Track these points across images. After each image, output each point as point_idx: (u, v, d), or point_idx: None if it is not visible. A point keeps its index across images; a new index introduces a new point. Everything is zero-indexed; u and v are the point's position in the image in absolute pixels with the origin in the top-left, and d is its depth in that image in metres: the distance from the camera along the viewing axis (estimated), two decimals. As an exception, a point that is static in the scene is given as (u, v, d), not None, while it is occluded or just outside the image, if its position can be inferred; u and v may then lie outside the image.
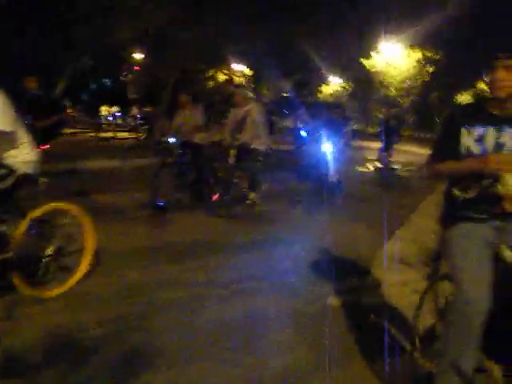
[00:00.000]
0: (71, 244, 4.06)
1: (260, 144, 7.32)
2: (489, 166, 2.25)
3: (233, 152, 7.14)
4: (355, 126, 36.16)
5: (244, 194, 7.46)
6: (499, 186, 2.24)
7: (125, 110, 25.05)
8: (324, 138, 8.91)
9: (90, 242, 4.13)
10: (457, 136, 2.47)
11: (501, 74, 2.33)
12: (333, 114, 9.54)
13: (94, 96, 30.31)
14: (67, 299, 3.74)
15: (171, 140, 7.45)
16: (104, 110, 26.23)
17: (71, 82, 12.38)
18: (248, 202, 7.42)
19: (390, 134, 13.65)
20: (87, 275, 4.09)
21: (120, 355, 3.00)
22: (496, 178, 2.26)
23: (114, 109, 27.38)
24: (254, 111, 7.31)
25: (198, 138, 7.62)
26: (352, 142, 11.82)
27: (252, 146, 7.22)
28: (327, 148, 8.74)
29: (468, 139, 2.44)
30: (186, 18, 15.69)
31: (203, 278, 4.42)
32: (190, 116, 7.64)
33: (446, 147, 2.56)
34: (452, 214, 2.52)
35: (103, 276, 4.26)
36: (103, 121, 23.74)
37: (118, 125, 23.81)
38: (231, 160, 7.16)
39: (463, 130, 2.46)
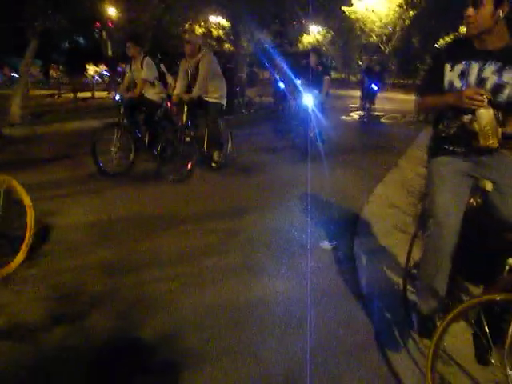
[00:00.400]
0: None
1: (216, 98, 6.72)
2: (463, 100, 2.26)
3: (184, 108, 6.41)
4: (338, 75, 35.84)
5: (207, 155, 6.86)
6: (474, 122, 2.27)
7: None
8: (302, 89, 8.34)
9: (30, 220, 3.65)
10: (441, 72, 2.48)
11: (469, 11, 2.31)
12: (310, 62, 8.39)
13: (68, 55, 29.09)
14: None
15: (117, 97, 6.70)
16: (91, 69, 24.60)
17: (41, 41, 11.88)
18: (213, 164, 6.91)
19: (373, 82, 13.56)
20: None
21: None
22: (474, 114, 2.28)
23: (102, 67, 25.85)
24: (205, 59, 6.52)
25: (149, 93, 6.88)
26: (332, 91, 11.19)
27: (208, 99, 6.65)
28: (307, 100, 8.12)
29: (452, 74, 2.45)
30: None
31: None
32: (140, 70, 6.81)
33: (431, 83, 2.60)
34: (435, 148, 2.60)
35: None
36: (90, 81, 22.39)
37: (97, 84, 23.10)
38: (183, 117, 6.43)
39: (447, 66, 2.46)
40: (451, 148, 2.49)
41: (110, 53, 22.88)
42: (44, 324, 2.85)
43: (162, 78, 7.05)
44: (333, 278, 3.54)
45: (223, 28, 26.84)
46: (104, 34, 22.80)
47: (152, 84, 6.88)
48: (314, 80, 8.07)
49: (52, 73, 28.64)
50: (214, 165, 6.93)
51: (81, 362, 2.54)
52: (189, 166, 6.38)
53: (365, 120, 13.59)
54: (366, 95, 13.85)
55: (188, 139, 6.47)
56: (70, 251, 3.93)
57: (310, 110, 8.08)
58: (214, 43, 26.73)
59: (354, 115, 14.91)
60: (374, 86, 13.58)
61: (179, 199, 5.57)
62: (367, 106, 13.82)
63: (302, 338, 2.74)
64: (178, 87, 6.69)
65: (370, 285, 3.37)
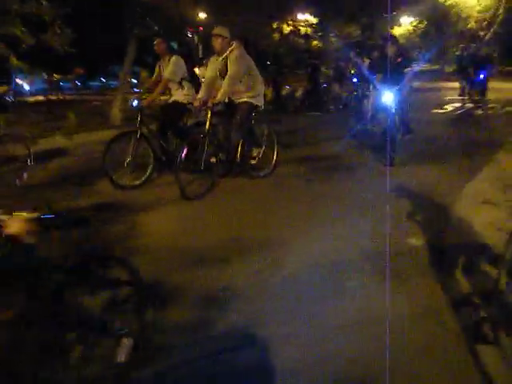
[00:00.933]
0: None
1: (248, 97, 5.90)
2: None
3: (208, 115, 5.63)
4: (433, 66, 34.11)
5: (240, 164, 6.04)
6: None
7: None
8: (377, 86, 7.30)
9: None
10: None
11: None
12: (387, 53, 7.17)
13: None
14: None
15: (134, 103, 6.00)
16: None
17: (139, 50, 12.73)
18: (252, 161, 6.18)
19: (480, 71, 12.77)
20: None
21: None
22: None
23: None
24: (233, 55, 5.70)
25: (176, 95, 6.33)
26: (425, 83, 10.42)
27: (237, 100, 5.92)
28: (386, 97, 6.92)
29: None
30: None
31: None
32: (165, 67, 6.27)
33: None
34: None
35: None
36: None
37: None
38: (206, 126, 5.62)
39: None
40: None
41: (200, 56, 23.79)
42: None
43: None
44: (422, 276, 3.42)
45: (311, 25, 26.75)
46: (196, 38, 23.72)
47: (180, 85, 6.25)
48: (393, 74, 6.87)
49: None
50: (252, 162, 6.16)
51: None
52: (209, 185, 5.57)
53: (461, 111, 12.81)
54: (470, 84, 13.15)
55: (212, 158, 5.70)
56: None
57: (390, 109, 6.88)
58: (302, 40, 26.73)
59: (449, 107, 14.11)
60: (481, 75, 12.78)
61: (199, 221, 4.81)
62: (474, 97, 12.99)
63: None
64: (202, 90, 5.92)
65: (461, 282, 3.22)
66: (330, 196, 5.46)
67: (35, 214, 1.98)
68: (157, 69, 6.55)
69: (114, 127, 11.58)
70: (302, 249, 3.94)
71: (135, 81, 28.48)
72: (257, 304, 3.07)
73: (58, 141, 9.03)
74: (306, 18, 26.38)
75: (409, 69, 7.53)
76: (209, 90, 5.93)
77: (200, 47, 23.30)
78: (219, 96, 5.60)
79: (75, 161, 7.79)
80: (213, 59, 6.03)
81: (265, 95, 6.75)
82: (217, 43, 5.75)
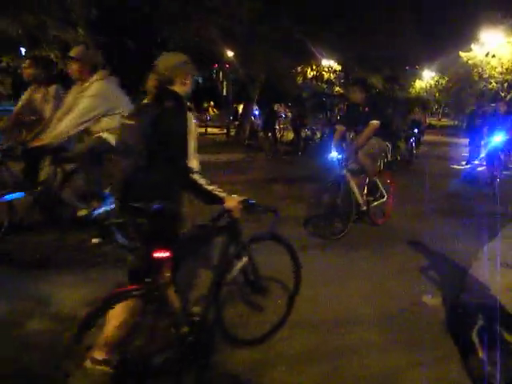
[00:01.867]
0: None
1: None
2: None
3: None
4: (451, 122, 34.36)
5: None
6: None
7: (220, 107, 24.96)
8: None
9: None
10: None
11: None
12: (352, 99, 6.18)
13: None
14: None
15: None
16: (210, 110, 25.39)
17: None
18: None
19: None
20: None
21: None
22: None
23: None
24: (93, 88, 4.47)
25: None
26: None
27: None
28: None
29: None
30: (272, 15, 15.84)
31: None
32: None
33: None
34: None
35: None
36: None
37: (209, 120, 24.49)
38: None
39: None
40: None
41: (224, 92, 24.29)
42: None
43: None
44: (435, 334, 3.34)
45: (334, 71, 27.26)
46: (221, 74, 24.30)
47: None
48: (361, 126, 5.95)
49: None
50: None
51: None
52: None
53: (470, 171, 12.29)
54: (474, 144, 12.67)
55: None
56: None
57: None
58: (325, 85, 27.20)
59: (464, 163, 14.03)
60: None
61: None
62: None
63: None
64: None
65: (478, 349, 3.13)
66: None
67: (242, 198, 2.67)
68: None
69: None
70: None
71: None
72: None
73: None
74: (329, 64, 26.92)
75: (374, 121, 5.81)
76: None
77: (224, 84, 23.83)
78: (48, 137, 4.40)
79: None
80: (74, 88, 4.70)
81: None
82: (72, 69, 4.56)
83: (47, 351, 2.81)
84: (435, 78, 34.23)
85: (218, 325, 2.88)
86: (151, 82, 2.58)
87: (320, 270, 4.41)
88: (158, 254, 2.35)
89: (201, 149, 2.67)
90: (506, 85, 30.72)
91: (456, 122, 35.33)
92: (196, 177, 2.57)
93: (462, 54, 30.33)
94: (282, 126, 18.20)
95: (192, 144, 2.56)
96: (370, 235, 5.87)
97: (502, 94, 30.83)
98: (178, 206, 2.63)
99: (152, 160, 2.46)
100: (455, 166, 13.38)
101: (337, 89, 26.81)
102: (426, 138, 18.40)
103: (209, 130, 21.44)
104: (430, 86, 34.58)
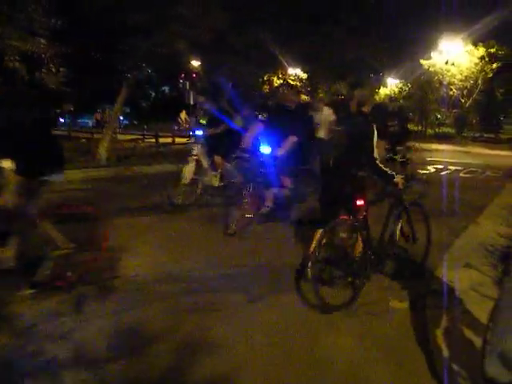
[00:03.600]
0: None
1: None
2: None
3: None
4: (415, 127, 35.22)
5: None
6: None
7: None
8: None
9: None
10: None
11: None
12: None
13: (153, 103, 31.19)
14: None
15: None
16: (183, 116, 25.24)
17: (131, 91, 12.94)
18: None
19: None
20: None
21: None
22: None
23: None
24: None
25: None
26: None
27: None
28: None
29: None
30: (239, 25, 15.94)
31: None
32: None
33: None
34: None
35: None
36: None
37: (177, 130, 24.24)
38: None
39: None
40: None
41: (191, 101, 24.19)
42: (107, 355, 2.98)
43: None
44: (403, 339, 3.40)
45: (301, 80, 27.63)
46: (187, 84, 24.23)
47: None
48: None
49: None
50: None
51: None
52: None
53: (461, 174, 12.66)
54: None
55: None
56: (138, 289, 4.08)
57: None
58: (290, 93, 27.52)
59: (431, 169, 14.47)
60: None
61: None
62: None
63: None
64: None
65: (443, 349, 3.20)
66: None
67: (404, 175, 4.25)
68: None
69: (101, 166, 11.58)
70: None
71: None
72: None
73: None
74: (296, 72, 27.29)
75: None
76: None
77: (191, 93, 23.77)
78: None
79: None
80: None
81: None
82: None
83: None
84: (399, 85, 35.11)
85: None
86: (352, 104, 4.27)
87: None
88: (359, 202, 4.00)
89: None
90: (465, 91, 31.80)
91: (420, 128, 36.30)
92: (378, 162, 4.05)
93: (422, 61, 31.25)
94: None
95: (374, 142, 4.04)
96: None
97: (463, 101, 31.91)
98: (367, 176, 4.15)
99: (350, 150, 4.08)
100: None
101: (303, 97, 27.16)
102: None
103: (176, 139, 21.26)
104: (394, 93, 35.43)
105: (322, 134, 8.75)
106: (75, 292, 3.85)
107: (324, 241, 3.79)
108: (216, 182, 7.23)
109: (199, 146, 7.24)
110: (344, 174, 4.10)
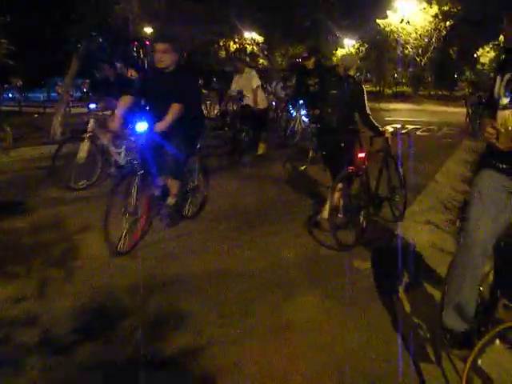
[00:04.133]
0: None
1: None
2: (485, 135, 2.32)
3: None
4: (373, 88, 35.47)
5: None
6: None
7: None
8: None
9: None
10: (494, 84, 2.46)
11: (509, 26, 2.32)
12: None
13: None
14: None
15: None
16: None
17: (83, 64, 12.37)
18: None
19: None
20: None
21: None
22: None
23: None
24: None
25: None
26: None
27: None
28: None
29: (500, 87, 2.40)
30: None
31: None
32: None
33: (489, 98, 2.59)
34: (482, 162, 2.59)
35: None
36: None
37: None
38: None
39: (497, 78, 2.43)
40: (498, 164, 2.44)
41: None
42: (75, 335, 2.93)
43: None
44: (366, 297, 3.48)
45: (258, 43, 27.16)
46: (141, 51, 23.47)
47: None
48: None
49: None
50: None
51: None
52: None
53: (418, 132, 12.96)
54: None
55: None
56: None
57: None
58: (248, 58, 27.10)
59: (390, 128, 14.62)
60: None
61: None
62: None
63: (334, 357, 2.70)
64: None
65: (405, 304, 3.31)
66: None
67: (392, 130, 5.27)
68: None
69: (55, 142, 11.13)
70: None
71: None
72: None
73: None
74: (252, 36, 26.78)
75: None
76: None
77: (145, 60, 23.09)
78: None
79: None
80: None
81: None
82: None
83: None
84: (356, 46, 35.05)
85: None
86: (340, 69, 4.74)
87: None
88: (360, 154, 4.62)
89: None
90: (420, 50, 32.10)
91: (378, 88, 36.60)
92: (371, 117, 4.68)
93: (378, 21, 31.22)
94: (208, 103, 17.87)
95: (365, 99, 4.67)
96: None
97: (418, 59, 32.23)
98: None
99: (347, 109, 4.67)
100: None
101: (261, 61, 26.79)
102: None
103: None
104: (352, 54, 35.38)
105: (249, 101, 8.63)
106: (36, 274, 3.75)
107: (337, 192, 4.53)
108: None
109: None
110: (344, 131, 4.64)
